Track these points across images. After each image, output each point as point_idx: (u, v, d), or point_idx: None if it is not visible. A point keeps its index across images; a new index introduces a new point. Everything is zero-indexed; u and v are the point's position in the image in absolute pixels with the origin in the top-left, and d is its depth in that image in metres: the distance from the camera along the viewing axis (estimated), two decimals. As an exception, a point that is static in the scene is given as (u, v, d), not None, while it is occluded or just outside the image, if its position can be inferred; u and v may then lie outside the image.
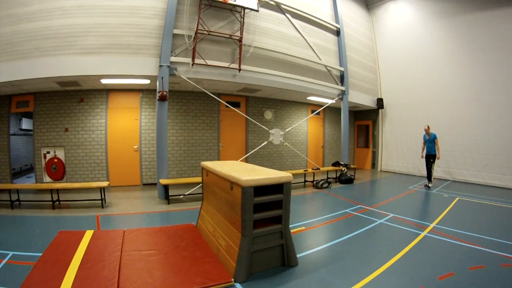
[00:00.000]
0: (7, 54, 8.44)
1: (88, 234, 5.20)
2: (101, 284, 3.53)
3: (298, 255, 4.52)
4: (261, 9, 10.28)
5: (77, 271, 3.82)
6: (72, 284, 3.48)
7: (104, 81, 9.44)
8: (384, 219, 6.89)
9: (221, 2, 9.20)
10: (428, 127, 11.00)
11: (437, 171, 13.22)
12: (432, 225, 6.34)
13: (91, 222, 6.67)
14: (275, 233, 4.23)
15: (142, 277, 3.74)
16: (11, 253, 4.70)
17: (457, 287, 3.69)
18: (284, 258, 4.31)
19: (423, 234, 5.79)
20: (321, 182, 11.14)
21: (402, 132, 14.98)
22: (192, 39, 9.10)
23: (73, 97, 10.41)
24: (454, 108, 12.87)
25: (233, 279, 3.79)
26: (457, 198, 9.13)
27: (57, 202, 7.99)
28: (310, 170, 11.83)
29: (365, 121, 17.31)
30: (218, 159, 12.13)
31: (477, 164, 12.11)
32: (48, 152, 10.30)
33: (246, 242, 3.93)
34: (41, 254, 4.34)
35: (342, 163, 12.88)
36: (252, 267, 4.01)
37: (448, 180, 12.74)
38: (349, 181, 12.09)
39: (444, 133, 13.02)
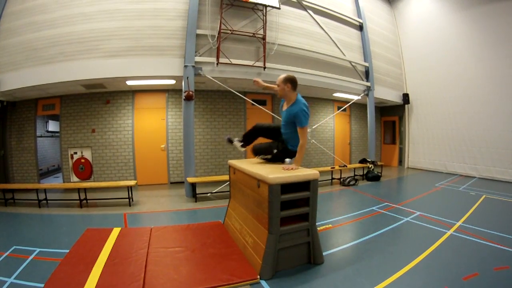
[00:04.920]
0: (32, 59, 8.80)
1: (115, 231, 5.31)
2: (127, 280, 3.60)
3: (324, 253, 4.52)
4: (282, 7, 10.25)
5: (104, 267, 3.90)
6: (98, 280, 3.56)
7: (129, 82, 9.65)
8: (411, 217, 6.78)
9: (242, 1, 9.30)
10: (285, 80, 4.59)
11: (463, 168, 12.94)
12: (458, 224, 6.20)
13: (118, 220, 6.83)
14: (301, 231, 4.24)
15: (168, 274, 3.81)
16: (37, 249, 4.87)
17: (481, 288, 3.62)
18: (310, 256, 4.32)
19: (449, 233, 5.67)
20: (348, 180, 11.05)
21: (429, 127, 14.60)
22: (215, 38, 9.20)
23: (99, 99, 10.70)
24: (478, 102, 12.41)
25: (258, 276, 3.83)
26: (483, 196, 8.84)
27: (84, 201, 8.20)
28: (337, 167, 11.76)
29: (391, 117, 16.99)
30: (245, 157, 12.16)
31: (503, 161, 11.62)
32: (75, 153, 10.62)
33: (272, 240, 3.95)
34: (67, 251, 4.44)
35: (369, 160, 12.72)
36: (278, 265, 4.03)
37: (475, 177, 12.36)
38: (376, 178, 11.95)
39: (470, 128, 12.71)
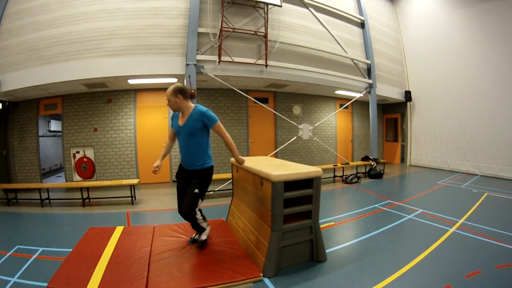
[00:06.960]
0: (34, 59, 8.79)
1: (118, 230, 5.30)
2: (130, 279, 3.60)
3: (327, 251, 4.52)
4: (284, 4, 10.22)
5: (107, 266, 3.90)
6: (101, 279, 3.56)
7: (131, 81, 9.67)
8: (413, 214, 6.78)
9: (243, -2, 9.28)
10: (174, 92, 4.18)
11: (466, 165, 12.91)
12: (460, 221, 6.19)
13: (121, 219, 6.87)
14: (304, 228, 4.25)
15: (171, 272, 3.81)
16: (40, 249, 4.89)
17: (484, 286, 3.61)
18: (313, 253, 4.32)
19: (451, 230, 5.67)
20: (350, 177, 11.06)
21: (431, 124, 14.57)
22: (217, 37, 9.18)
23: (101, 98, 10.73)
24: (480, 100, 12.34)
25: (261, 274, 3.84)
26: (485, 194, 8.82)
27: (87, 200, 8.23)
28: (339, 165, 11.76)
29: (393, 115, 16.95)
30: (248, 155, 12.14)
31: (505, 158, 11.55)
32: (78, 152, 10.65)
33: (275, 237, 3.96)
34: (71, 250, 4.44)
35: (371, 157, 12.72)
36: (281, 262, 4.04)
37: (477, 175, 12.31)
38: (378, 175, 11.94)
39: (472, 126, 12.67)
